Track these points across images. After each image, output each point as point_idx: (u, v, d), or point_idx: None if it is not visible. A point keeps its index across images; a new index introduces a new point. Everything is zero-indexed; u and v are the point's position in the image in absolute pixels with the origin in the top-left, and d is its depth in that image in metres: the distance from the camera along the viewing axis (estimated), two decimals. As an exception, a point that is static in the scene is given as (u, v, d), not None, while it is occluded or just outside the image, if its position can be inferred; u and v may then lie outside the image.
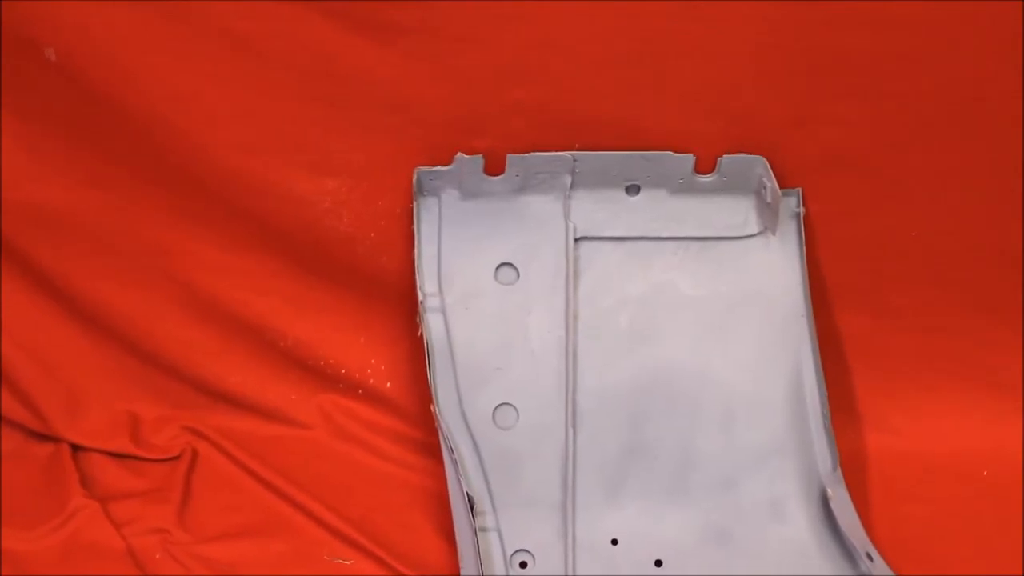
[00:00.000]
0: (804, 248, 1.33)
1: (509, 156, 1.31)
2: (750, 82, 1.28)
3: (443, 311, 1.32)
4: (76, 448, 1.39)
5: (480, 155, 1.31)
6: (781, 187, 1.30)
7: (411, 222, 1.33)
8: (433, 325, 1.30)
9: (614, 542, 1.27)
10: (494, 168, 1.32)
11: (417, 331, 1.31)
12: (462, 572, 1.22)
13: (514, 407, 1.30)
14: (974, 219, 1.35)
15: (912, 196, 1.34)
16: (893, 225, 1.35)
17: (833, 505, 1.24)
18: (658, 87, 1.29)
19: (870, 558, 1.21)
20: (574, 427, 1.29)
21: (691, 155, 1.32)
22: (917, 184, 1.33)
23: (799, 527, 1.27)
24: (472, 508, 1.22)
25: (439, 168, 1.31)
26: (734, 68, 1.27)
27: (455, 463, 1.24)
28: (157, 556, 1.27)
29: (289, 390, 1.43)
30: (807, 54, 1.26)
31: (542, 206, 1.34)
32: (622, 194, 1.34)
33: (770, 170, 1.30)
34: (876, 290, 1.39)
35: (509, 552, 1.24)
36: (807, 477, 1.28)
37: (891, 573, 1.21)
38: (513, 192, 1.33)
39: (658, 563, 1.26)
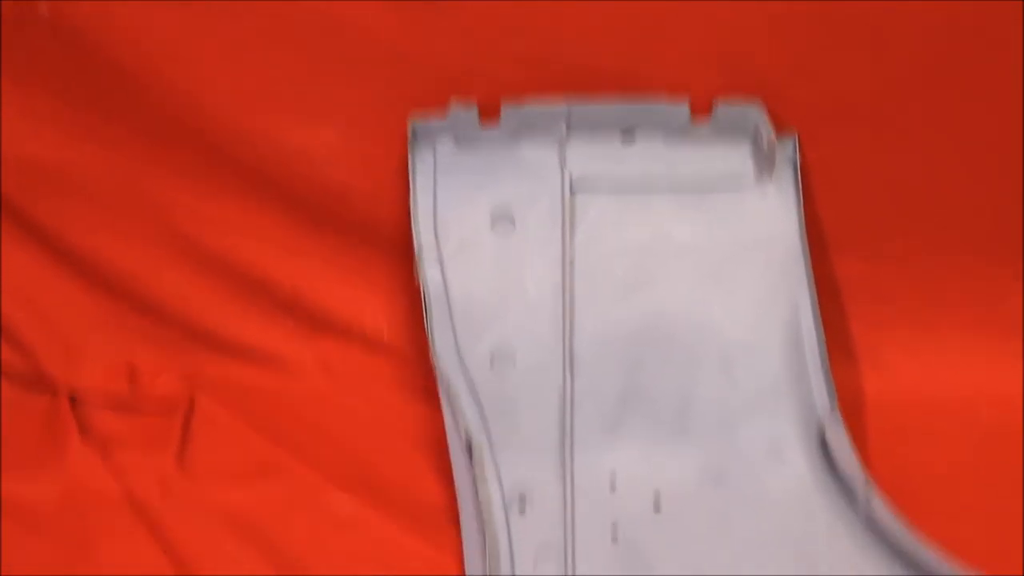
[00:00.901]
0: (801, 194, 1.32)
1: (504, 106, 1.31)
2: (748, 28, 1.27)
3: (440, 261, 1.31)
4: (74, 398, 1.39)
5: (475, 105, 1.30)
6: (778, 134, 1.30)
7: (407, 172, 1.32)
8: (430, 275, 1.30)
9: (612, 485, 1.27)
10: (489, 118, 1.31)
11: (414, 279, 1.31)
12: (461, 516, 1.22)
13: (511, 354, 1.30)
14: (973, 163, 1.34)
15: (911, 142, 1.33)
16: (891, 170, 1.35)
17: (831, 444, 1.24)
18: (655, 34, 1.28)
19: (869, 497, 1.21)
20: (572, 373, 1.29)
21: (687, 103, 1.32)
22: (915, 129, 1.32)
23: (798, 467, 1.26)
24: (471, 453, 1.22)
25: (434, 119, 1.31)
26: (733, 15, 1.26)
27: (453, 409, 1.24)
28: (156, 503, 1.28)
29: (287, 338, 1.43)
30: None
31: (538, 155, 1.34)
32: (618, 143, 1.34)
33: (766, 117, 1.30)
34: (874, 236, 1.38)
35: (508, 495, 1.24)
36: (805, 419, 1.28)
37: (889, 511, 1.21)
38: (508, 142, 1.33)
39: (657, 505, 1.26)
